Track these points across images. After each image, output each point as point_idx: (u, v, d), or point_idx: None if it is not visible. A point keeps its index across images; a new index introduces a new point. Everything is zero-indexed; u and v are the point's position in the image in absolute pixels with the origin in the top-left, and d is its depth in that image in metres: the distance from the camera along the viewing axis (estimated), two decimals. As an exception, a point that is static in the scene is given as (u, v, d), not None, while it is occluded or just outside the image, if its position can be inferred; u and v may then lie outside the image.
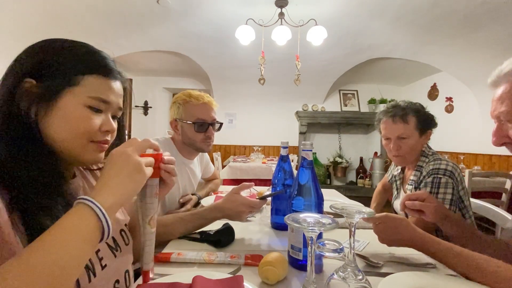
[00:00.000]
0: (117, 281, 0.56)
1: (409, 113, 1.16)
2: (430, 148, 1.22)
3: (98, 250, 0.53)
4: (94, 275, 0.50)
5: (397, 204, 1.36)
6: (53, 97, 0.48)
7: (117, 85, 0.56)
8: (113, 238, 0.59)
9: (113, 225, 0.42)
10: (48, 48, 0.51)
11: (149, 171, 0.49)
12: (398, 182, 1.36)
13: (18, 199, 0.42)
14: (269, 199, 1.03)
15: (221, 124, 1.28)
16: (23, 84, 0.48)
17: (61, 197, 0.47)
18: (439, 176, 1.06)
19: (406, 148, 1.16)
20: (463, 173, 2.19)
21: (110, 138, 0.56)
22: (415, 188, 1.16)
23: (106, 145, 0.56)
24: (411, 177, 1.20)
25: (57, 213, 0.44)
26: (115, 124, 0.57)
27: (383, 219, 0.72)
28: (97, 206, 0.40)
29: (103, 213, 0.40)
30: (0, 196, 0.40)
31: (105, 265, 0.53)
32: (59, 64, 0.49)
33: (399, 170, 1.37)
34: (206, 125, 1.19)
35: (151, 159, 0.52)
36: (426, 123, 1.17)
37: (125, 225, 0.66)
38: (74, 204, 0.41)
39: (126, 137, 0.64)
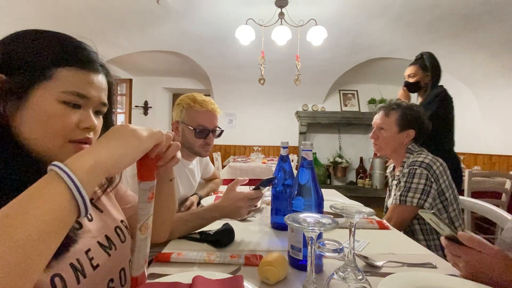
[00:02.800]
0: (111, 280, 0.54)
1: (394, 109, 1.26)
2: (419, 147, 1.27)
3: (89, 250, 0.50)
4: (84, 276, 0.47)
5: (390, 203, 1.35)
6: (23, 93, 0.44)
7: (98, 79, 0.51)
8: (106, 236, 0.56)
9: (89, 194, 0.35)
10: (19, 39, 0.47)
11: (149, 142, 0.44)
12: (390, 180, 1.40)
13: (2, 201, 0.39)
14: (269, 198, 1.03)
15: (222, 131, 1.28)
16: None
17: None
18: (415, 167, 1.15)
19: (382, 138, 1.29)
20: (462, 173, 2.20)
21: (91, 136, 0.51)
22: (399, 182, 1.21)
23: (87, 145, 0.50)
24: (397, 173, 1.27)
25: None
26: (98, 121, 0.52)
27: (477, 245, 0.54)
28: (67, 174, 0.33)
29: (74, 183, 0.33)
30: None
31: (97, 265, 0.50)
32: (29, 56, 0.45)
33: (391, 169, 1.41)
34: (206, 132, 1.19)
35: (158, 134, 0.46)
36: (407, 121, 1.23)
37: (121, 221, 0.63)
38: (48, 170, 0.35)
39: None
